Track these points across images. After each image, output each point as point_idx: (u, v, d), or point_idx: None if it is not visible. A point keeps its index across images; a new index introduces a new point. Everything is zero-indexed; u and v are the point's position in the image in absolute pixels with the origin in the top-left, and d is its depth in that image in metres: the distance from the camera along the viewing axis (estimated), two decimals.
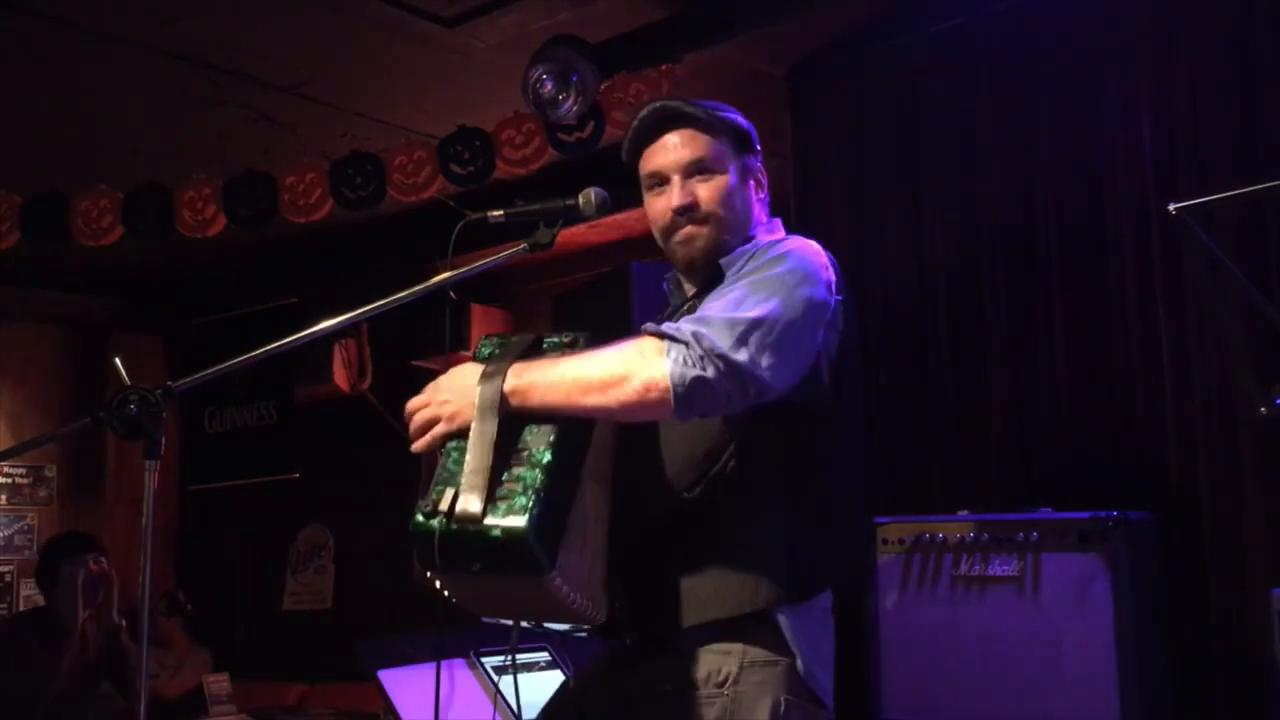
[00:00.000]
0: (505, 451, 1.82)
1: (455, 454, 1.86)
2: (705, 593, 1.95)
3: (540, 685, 3.17)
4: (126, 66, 4.29)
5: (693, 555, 1.96)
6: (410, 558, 1.84)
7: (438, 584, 1.91)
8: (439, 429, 1.90)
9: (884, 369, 4.07)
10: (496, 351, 1.97)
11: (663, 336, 1.85)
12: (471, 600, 1.98)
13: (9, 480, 7.04)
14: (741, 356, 1.83)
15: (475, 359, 1.98)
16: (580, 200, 2.16)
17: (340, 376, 6.44)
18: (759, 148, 2.21)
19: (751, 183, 2.18)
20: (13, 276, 6.56)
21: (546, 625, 2.03)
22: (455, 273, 2.14)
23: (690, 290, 2.18)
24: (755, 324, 1.86)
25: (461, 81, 4.45)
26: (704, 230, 2.11)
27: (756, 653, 1.93)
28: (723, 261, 2.10)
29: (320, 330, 2.07)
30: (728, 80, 4.40)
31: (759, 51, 4.31)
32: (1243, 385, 3.31)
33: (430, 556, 1.81)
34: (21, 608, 6.85)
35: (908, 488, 3.92)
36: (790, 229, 2.24)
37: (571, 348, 1.94)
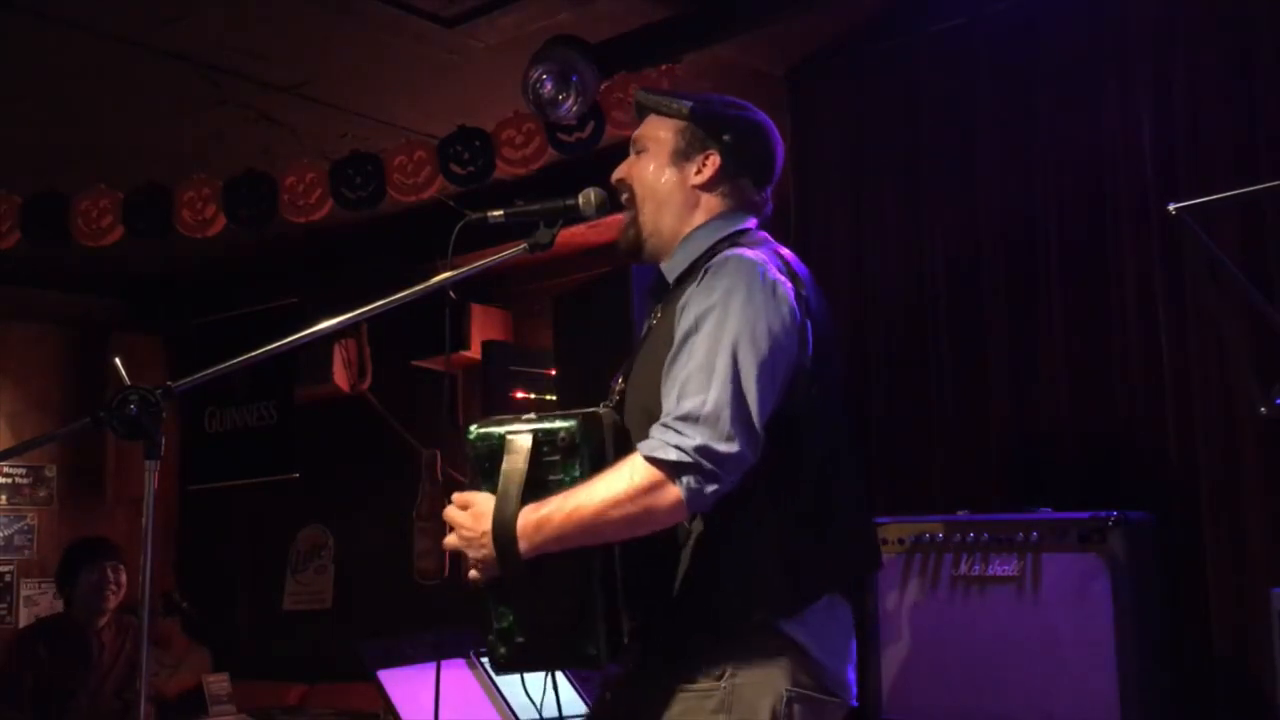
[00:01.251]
0: (551, 591, 1.91)
1: (499, 593, 1.96)
2: (702, 613, 1.96)
3: (540, 684, 3.16)
4: (126, 66, 4.29)
5: (688, 576, 1.97)
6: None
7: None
8: (474, 577, 1.98)
9: (884, 369, 4.07)
10: (488, 461, 1.97)
11: (668, 465, 1.86)
12: None
13: (9, 480, 7.04)
14: (736, 448, 1.87)
15: (471, 457, 1.99)
16: (580, 200, 2.17)
17: (340, 376, 6.43)
18: (728, 138, 2.15)
19: (690, 168, 2.15)
20: (13, 276, 6.56)
21: None
22: (455, 273, 2.15)
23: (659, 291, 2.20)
24: (736, 399, 1.88)
25: (461, 81, 4.45)
26: (629, 215, 2.19)
27: (757, 648, 1.94)
28: (665, 267, 2.13)
29: (320, 330, 2.08)
30: (728, 80, 4.39)
31: (759, 51, 4.31)
32: (1243, 385, 3.31)
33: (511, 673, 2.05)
34: (22, 607, 6.86)
35: (908, 488, 3.92)
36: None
37: (571, 454, 1.92)
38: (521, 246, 2.18)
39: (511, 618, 1.94)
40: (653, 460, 1.86)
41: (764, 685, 1.93)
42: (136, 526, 1.81)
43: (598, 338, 3.98)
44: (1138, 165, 3.62)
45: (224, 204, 5.06)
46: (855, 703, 2.04)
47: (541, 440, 1.93)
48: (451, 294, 2.25)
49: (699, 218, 2.15)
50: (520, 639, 1.93)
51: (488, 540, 1.91)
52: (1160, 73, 3.60)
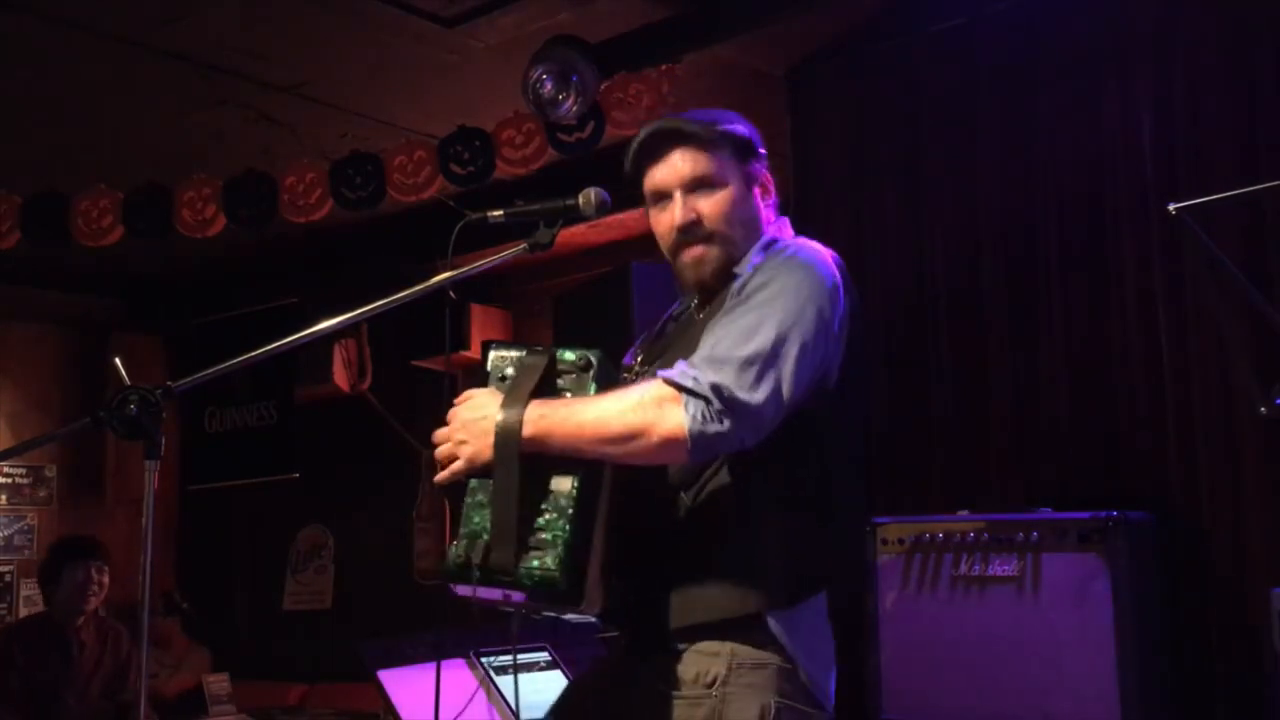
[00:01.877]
0: (529, 497, 1.87)
1: (480, 494, 1.92)
2: (698, 596, 1.95)
3: (540, 685, 3.17)
4: (126, 66, 4.29)
5: (688, 557, 1.97)
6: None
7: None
8: (458, 466, 1.93)
9: (884, 369, 4.07)
10: (508, 371, 1.97)
11: (680, 389, 1.86)
12: (486, 600, 2.03)
13: (9, 480, 7.04)
14: (758, 399, 1.85)
15: (486, 372, 1.99)
16: (580, 200, 2.16)
17: (340, 376, 6.44)
18: (763, 151, 2.19)
19: (757, 190, 2.17)
20: (13, 276, 6.56)
21: (542, 613, 2.08)
22: (455, 273, 2.14)
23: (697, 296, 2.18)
24: (771, 358, 1.87)
25: (461, 81, 4.45)
26: (712, 250, 2.10)
27: (745, 654, 1.94)
28: (735, 269, 2.11)
29: (320, 330, 2.07)
30: (728, 80, 4.40)
31: (759, 51, 4.31)
32: (1243, 385, 3.31)
33: (468, 592, 1.92)
34: (22, 607, 6.86)
35: (908, 488, 3.92)
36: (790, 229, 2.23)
37: (585, 370, 1.94)
38: (521, 246, 2.17)
39: (483, 519, 1.89)
40: (667, 380, 1.88)
41: (753, 696, 1.92)
42: (136, 526, 1.81)
43: (598, 338, 3.96)
44: (1138, 165, 3.62)
45: (224, 204, 5.06)
46: (831, 714, 2.04)
47: (557, 358, 1.96)
48: (451, 294, 2.24)
49: (764, 231, 2.17)
50: (485, 543, 1.87)
51: (490, 425, 1.88)
52: (1160, 73, 3.60)
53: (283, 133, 4.85)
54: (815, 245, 2.08)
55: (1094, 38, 3.76)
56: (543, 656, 3.43)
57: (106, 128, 4.83)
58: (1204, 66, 3.53)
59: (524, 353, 1.98)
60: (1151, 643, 3.21)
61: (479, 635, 3.36)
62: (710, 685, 1.92)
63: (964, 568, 3.38)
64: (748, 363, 1.86)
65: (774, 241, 2.10)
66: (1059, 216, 3.78)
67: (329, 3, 3.88)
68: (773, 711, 1.92)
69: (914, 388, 4.00)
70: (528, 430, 1.86)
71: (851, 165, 4.26)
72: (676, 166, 2.12)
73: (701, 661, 1.94)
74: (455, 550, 1.90)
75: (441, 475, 1.96)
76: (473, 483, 1.93)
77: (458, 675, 3.38)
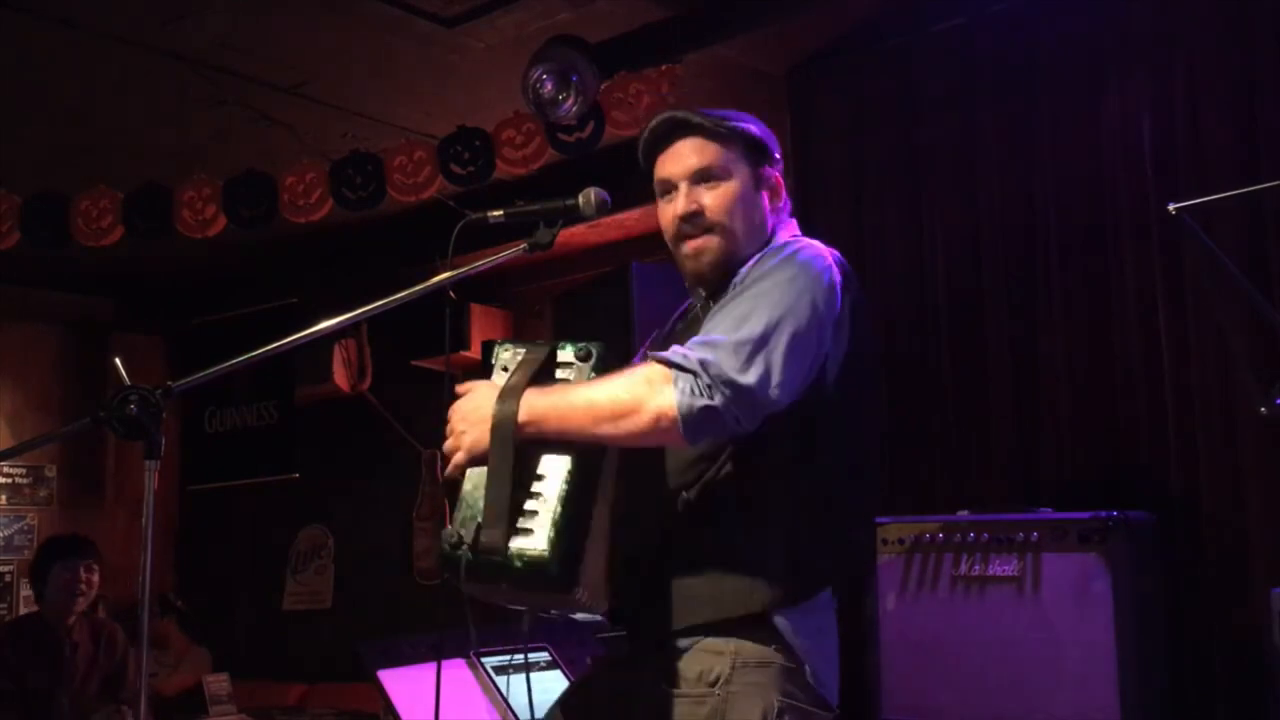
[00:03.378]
0: (523, 480, 1.88)
1: (475, 479, 1.92)
2: (701, 594, 1.95)
3: (540, 685, 3.17)
4: (126, 66, 4.29)
5: (690, 556, 1.97)
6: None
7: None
8: (459, 458, 1.95)
9: (884, 369, 4.06)
10: (510, 365, 1.99)
11: (670, 365, 1.87)
12: (487, 596, 2.03)
13: (9, 480, 7.04)
14: (749, 379, 1.85)
15: (488, 365, 2.01)
16: (580, 200, 2.16)
17: (340, 376, 6.44)
18: (778, 156, 2.19)
19: (766, 192, 2.16)
20: (13, 276, 6.56)
21: (551, 611, 2.09)
22: (455, 273, 2.14)
23: (704, 292, 2.18)
24: (761, 342, 1.88)
25: (461, 81, 4.45)
26: (711, 241, 2.11)
27: (750, 652, 1.94)
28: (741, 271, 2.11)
29: (320, 330, 2.07)
30: (728, 80, 4.40)
31: (759, 51, 4.31)
32: (1243, 385, 3.31)
33: (458, 581, 1.90)
34: (21, 607, 6.86)
35: (908, 488, 3.92)
36: None
37: (585, 361, 1.96)
38: (521, 246, 2.17)
39: (477, 503, 1.89)
40: (658, 359, 1.90)
41: (756, 695, 1.92)
42: (136, 526, 1.81)
43: (597, 338, 3.97)
44: (1138, 165, 3.62)
45: (224, 204, 5.05)
46: (836, 713, 2.04)
47: (557, 351, 1.99)
48: (451, 294, 2.24)
49: (769, 234, 2.17)
50: (479, 528, 1.87)
51: (487, 413, 1.91)
52: (1160, 73, 3.61)
53: (283, 133, 4.85)
54: (817, 245, 2.09)
55: (1094, 38, 3.76)
56: (543, 656, 3.42)
57: (106, 128, 4.83)
58: (1204, 66, 3.53)
59: (526, 349, 2.00)
60: (1151, 642, 3.21)
61: (479, 635, 3.36)
62: (714, 684, 1.92)
63: (964, 568, 3.38)
64: (739, 345, 1.87)
65: (775, 248, 2.09)
66: (1059, 216, 3.78)
67: (329, 3, 3.88)
68: (775, 711, 1.92)
69: (914, 388, 4.00)
70: (522, 415, 1.88)
71: (851, 165, 4.26)
72: (683, 156, 2.13)
73: (705, 660, 1.94)
74: (449, 531, 1.90)
75: (448, 470, 1.98)
76: (471, 471, 1.94)
77: (458, 675, 3.38)
